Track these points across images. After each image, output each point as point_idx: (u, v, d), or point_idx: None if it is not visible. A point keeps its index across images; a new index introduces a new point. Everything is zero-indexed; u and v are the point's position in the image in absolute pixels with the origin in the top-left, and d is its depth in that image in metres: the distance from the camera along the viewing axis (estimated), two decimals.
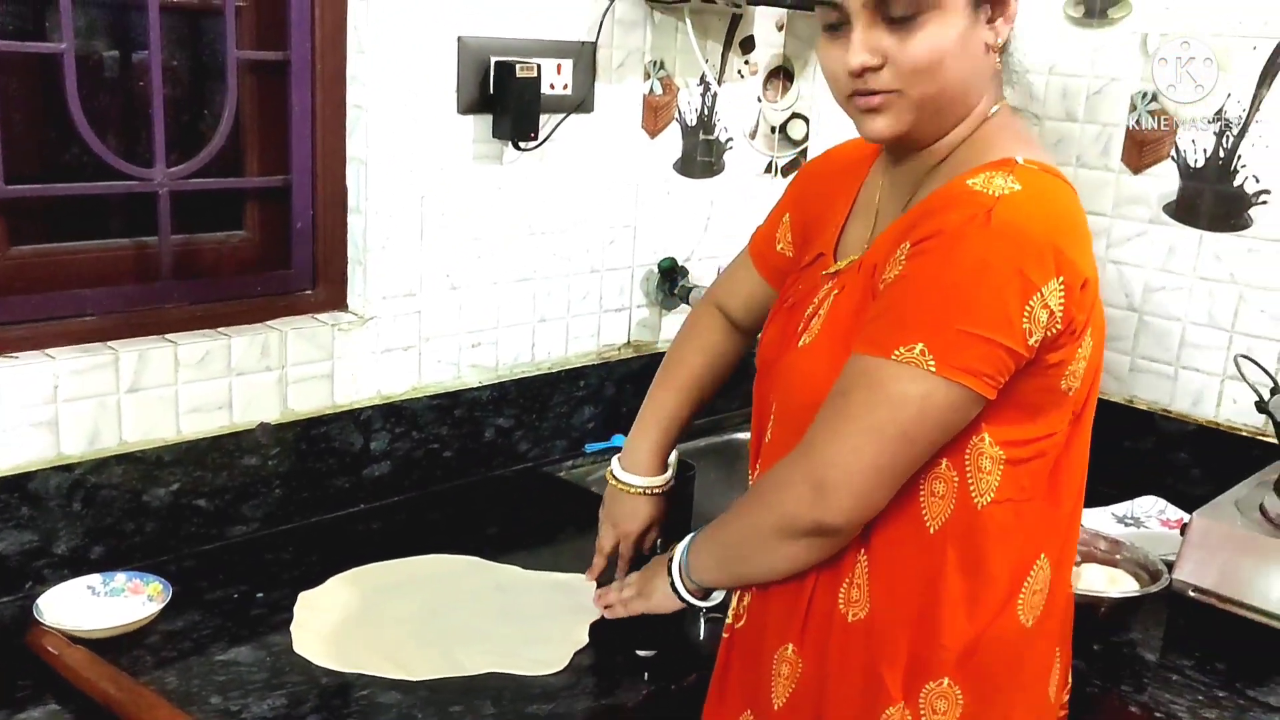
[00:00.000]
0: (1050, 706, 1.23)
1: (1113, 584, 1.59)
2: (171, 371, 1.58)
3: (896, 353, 1.04)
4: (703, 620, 1.46)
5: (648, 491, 1.51)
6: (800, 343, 1.20)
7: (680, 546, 1.32)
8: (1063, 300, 1.04)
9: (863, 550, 1.15)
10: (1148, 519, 1.90)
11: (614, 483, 1.53)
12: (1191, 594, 1.55)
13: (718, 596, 1.33)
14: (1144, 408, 2.02)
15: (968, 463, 1.11)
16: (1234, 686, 1.43)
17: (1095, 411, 1.18)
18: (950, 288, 1.03)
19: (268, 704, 1.28)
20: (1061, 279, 1.03)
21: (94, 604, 1.44)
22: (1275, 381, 1.68)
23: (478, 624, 1.46)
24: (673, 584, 1.32)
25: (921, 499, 1.12)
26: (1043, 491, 1.14)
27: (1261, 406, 1.64)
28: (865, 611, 1.15)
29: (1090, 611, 1.53)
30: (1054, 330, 1.05)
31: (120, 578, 1.48)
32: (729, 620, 1.30)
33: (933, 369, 1.03)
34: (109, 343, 1.55)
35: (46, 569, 1.50)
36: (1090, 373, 1.13)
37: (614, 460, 1.54)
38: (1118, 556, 1.65)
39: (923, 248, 1.06)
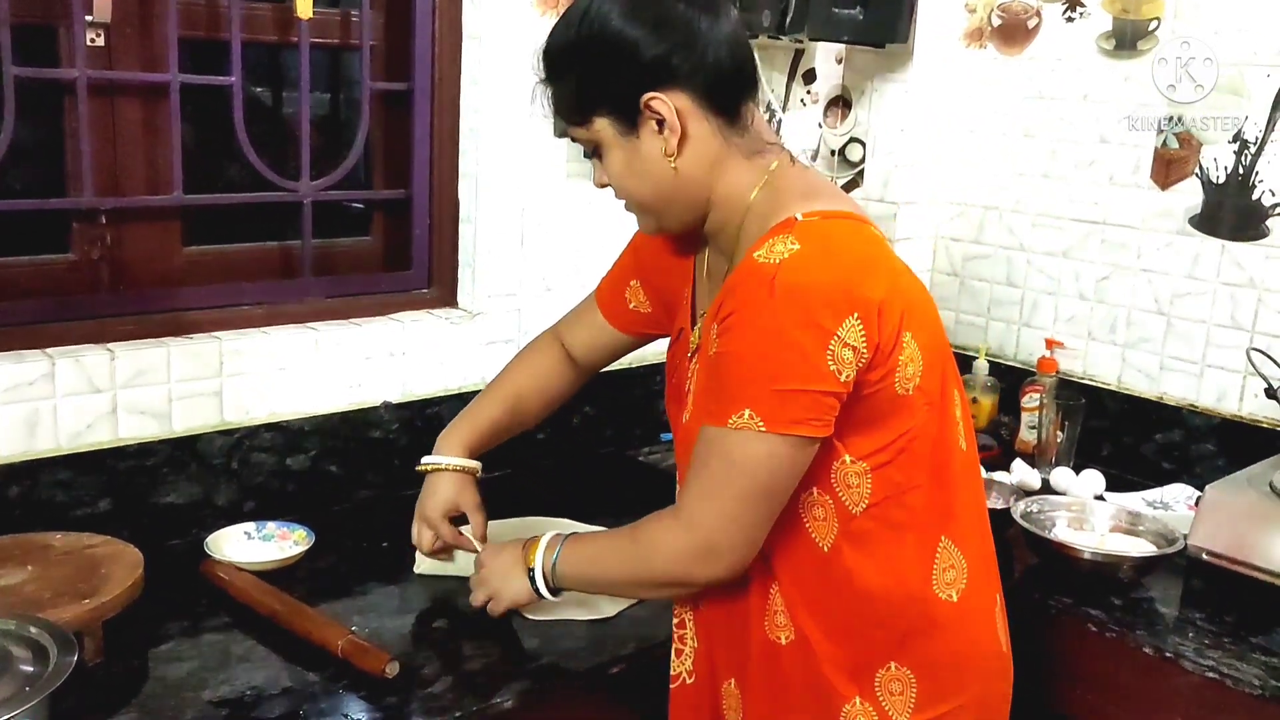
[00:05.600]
0: (1004, 656, 1.35)
1: (1134, 548, 1.79)
2: (312, 354, 1.85)
3: (731, 420, 1.16)
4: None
5: (450, 468, 1.57)
6: (684, 418, 1.34)
7: (539, 553, 1.39)
8: (863, 333, 1.15)
9: (773, 585, 1.27)
10: (1175, 503, 2.08)
11: (421, 469, 1.59)
12: (1205, 557, 1.73)
13: (566, 593, 1.43)
14: (1173, 403, 2.20)
15: (835, 483, 1.22)
16: (1239, 634, 1.61)
17: (951, 395, 1.27)
18: (756, 355, 1.15)
19: (400, 622, 1.53)
20: (857, 315, 1.14)
21: (249, 545, 1.70)
22: None
23: None
24: (534, 585, 1.40)
25: (808, 526, 1.24)
26: (924, 480, 1.24)
27: (1271, 393, 1.82)
28: (793, 634, 1.26)
29: (1112, 570, 1.73)
30: (863, 361, 1.16)
31: (271, 525, 1.74)
32: (681, 669, 1.41)
33: (763, 429, 1.15)
34: (263, 328, 1.82)
35: (209, 517, 1.76)
36: (933, 366, 1.23)
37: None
38: (1140, 527, 1.84)
39: (726, 325, 1.18)
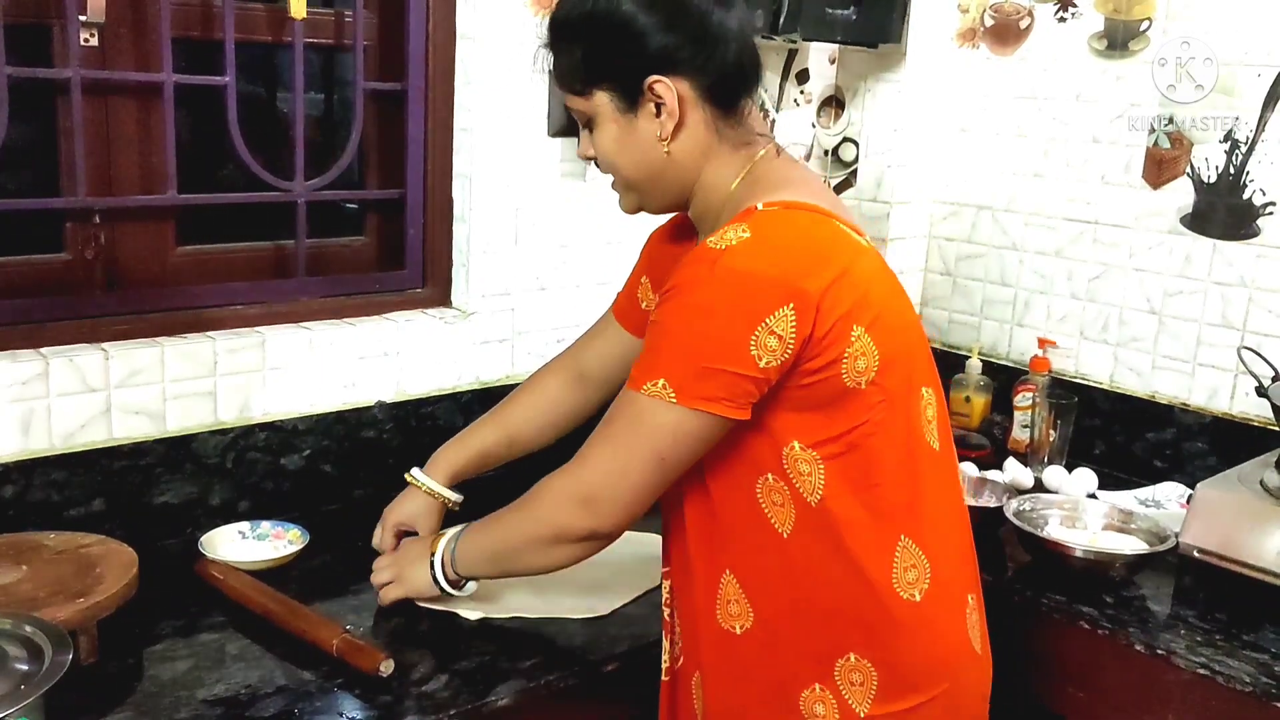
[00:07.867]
0: (977, 657, 1.33)
1: (1126, 546, 1.80)
2: (307, 354, 1.85)
3: (645, 387, 1.20)
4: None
5: (430, 493, 1.61)
6: None
7: (443, 541, 1.46)
8: (794, 324, 1.16)
9: (723, 574, 1.28)
10: (1167, 502, 2.08)
11: (408, 479, 1.63)
12: (1196, 555, 1.74)
13: (471, 588, 1.48)
14: (1165, 402, 2.21)
15: (788, 470, 1.23)
16: (1230, 631, 1.62)
17: (914, 394, 1.27)
18: (683, 329, 1.19)
19: (392, 622, 1.53)
20: (792, 305, 1.16)
21: (244, 545, 1.70)
22: (1276, 370, 1.87)
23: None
24: (433, 573, 1.46)
25: (766, 510, 1.25)
26: (886, 479, 1.24)
27: (1261, 391, 1.83)
28: (751, 621, 1.27)
29: (1104, 568, 1.74)
30: (789, 352, 1.17)
31: (265, 525, 1.74)
32: (666, 663, 1.42)
33: (674, 400, 1.18)
34: (257, 328, 1.82)
35: (203, 517, 1.76)
36: (893, 362, 1.22)
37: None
38: (1131, 525, 1.85)
39: (665, 297, 1.21)
